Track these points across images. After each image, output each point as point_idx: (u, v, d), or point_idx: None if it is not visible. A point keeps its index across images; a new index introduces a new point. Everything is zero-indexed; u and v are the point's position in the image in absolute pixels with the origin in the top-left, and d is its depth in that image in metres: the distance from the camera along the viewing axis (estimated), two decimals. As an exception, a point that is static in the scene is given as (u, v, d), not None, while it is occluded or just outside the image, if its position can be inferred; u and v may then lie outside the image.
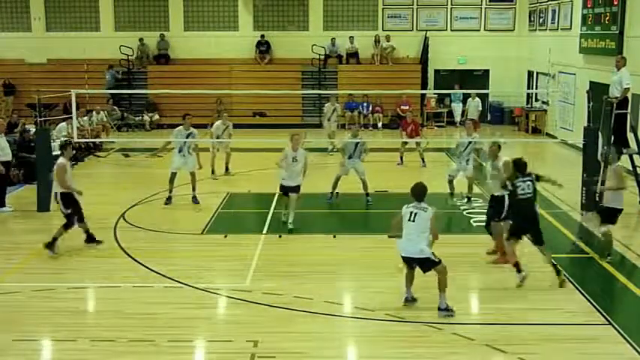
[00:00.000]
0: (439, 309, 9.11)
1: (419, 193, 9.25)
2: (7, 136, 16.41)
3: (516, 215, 10.56)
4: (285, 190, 13.28)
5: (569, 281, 10.43)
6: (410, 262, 9.24)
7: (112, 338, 8.49)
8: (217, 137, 17.73)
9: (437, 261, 9.11)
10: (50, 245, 11.58)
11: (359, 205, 15.34)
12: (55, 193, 11.94)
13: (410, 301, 9.41)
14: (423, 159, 19.39)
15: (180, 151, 15.01)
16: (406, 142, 19.41)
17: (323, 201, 15.27)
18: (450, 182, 15.22)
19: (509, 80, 27.41)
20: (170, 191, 15.06)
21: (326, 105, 22.34)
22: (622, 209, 11.59)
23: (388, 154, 20.37)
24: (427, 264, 9.13)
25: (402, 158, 19.58)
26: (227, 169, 18.07)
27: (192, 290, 10.10)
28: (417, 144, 19.52)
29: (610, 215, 11.53)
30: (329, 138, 21.37)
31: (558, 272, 10.27)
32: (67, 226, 11.79)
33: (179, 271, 10.76)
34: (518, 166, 10.39)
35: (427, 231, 9.05)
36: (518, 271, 10.20)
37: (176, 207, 14.91)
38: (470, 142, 15.14)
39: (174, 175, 14.99)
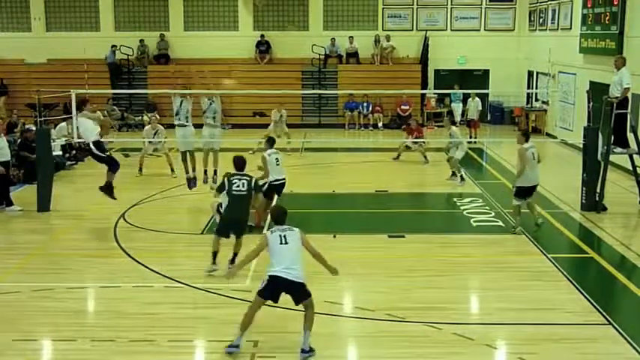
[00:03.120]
0: (302, 351, 7.98)
1: (280, 216, 8.34)
2: (6, 136, 16.44)
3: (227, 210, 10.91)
4: None
5: (570, 281, 10.44)
6: (281, 290, 8.05)
7: (112, 338, 8.49)
8: (150, 141, 18.25)
9: (309, 292, 8.10)
10: (108, 189, 13.15)
11: (359, 205, 15.35)
12: (88, 144, 12.91)
13: (235, 347, 8.10)
14: (425, 156, 19.47)
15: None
16: (409, 147, 19.58)
17: (323, 201, 15.29)
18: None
19: (509, 80, 27.41)
20: (186, 172, 15.09)
21: (272, 111, 21.84)
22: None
23: (389, 153, 20.40)
24: (302, 291, 8.06)
25: (399, 156, 19.70)
26: (172, 170, 17.94)
27: (192, 290, 10.11)
28: (420, 144, 19.56)
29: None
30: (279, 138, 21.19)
31: None
32: (114, 169, 13.10)
33: (179, 271, 10.77)
34: (235, 164, 10.96)
35: (300, 253, 8.16)
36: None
37: (176, 207, 14.92)
38: None
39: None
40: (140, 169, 17.95)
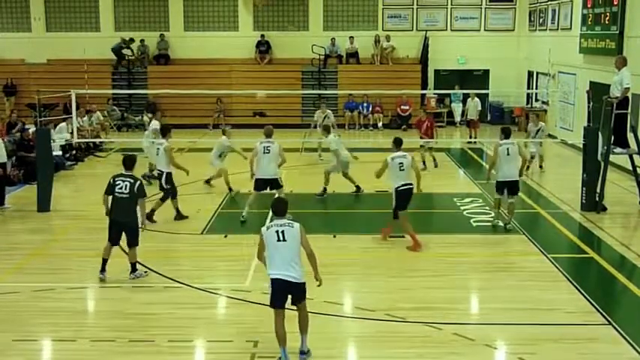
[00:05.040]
0: (301, 352, 7.91)
1: (280, 207, 7.94)
2: (7, 136, 16.44)
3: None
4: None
5: (570, 281, 10.44)
6: (285, 292, 7.78)
7: (112, 338, 8.49)
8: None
9: (306, 294, 7.90)
10: (149, 216, 12.73)
11: (359, 205, 15.35)
12: (161, 171, 13.56)
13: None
14: (424, 161, 19.14)
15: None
16: (423, 146, 18.78)
17: (323, 201, 15.29)
18: None
19: (509, 80, 27.41)
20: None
21: (316, 112, 21.23)
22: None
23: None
24: (302, 293, 7.85)
25: (424, 162, 18.56)
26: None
27: (192, 290, 10.10)
28: (430, 148, 19.15)
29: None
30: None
31: None
32: (164, 200, 13.60)
33: (179, 271, 10.77)
34: (123, 163, 10.54)
35: (299, 250, 7.78)
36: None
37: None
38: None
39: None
40: (230, 189, 16.10)
